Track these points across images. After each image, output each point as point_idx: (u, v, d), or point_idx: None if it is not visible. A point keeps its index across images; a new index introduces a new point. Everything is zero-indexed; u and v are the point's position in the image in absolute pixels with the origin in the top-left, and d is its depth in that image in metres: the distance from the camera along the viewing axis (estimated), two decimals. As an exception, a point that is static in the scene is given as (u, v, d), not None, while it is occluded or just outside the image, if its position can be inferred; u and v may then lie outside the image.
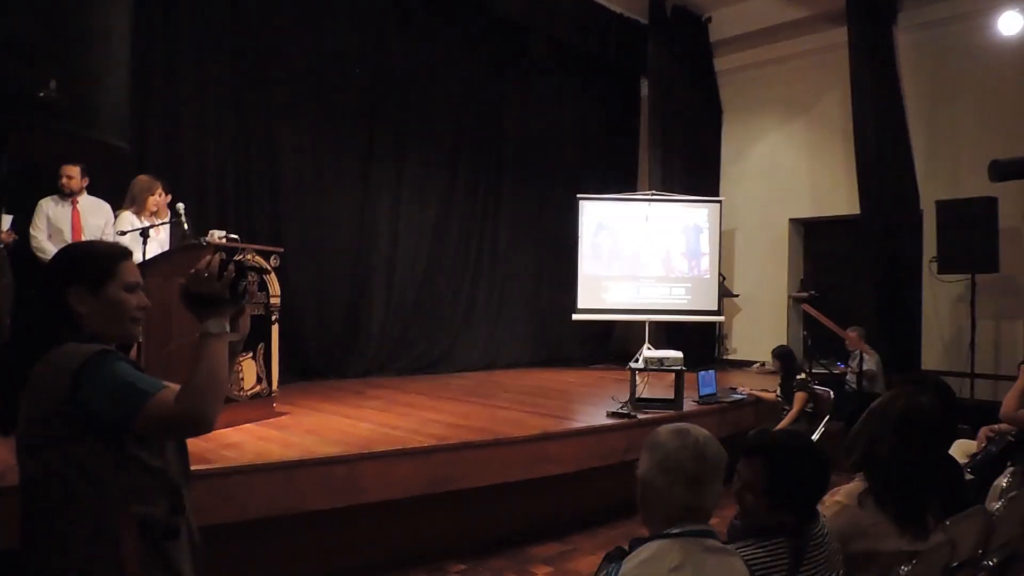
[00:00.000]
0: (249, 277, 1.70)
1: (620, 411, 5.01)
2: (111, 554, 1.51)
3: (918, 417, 2.19)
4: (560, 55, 9.05)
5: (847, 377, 7.04)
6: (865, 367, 6.88)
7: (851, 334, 7.14)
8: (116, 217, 4.79)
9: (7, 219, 4.28)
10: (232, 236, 4.57)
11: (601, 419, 4.93)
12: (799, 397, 5.60)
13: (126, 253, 1.74)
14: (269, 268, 4.63)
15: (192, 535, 1.70)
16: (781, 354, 6.02)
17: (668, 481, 1.59)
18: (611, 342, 9.79)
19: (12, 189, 3.93)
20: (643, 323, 8.55)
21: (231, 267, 1.63)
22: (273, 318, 4.67)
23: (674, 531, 1.57)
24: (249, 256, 4.48)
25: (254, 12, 6.49)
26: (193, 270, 1.62)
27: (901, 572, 1.87)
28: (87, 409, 1.50)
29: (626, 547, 1.64)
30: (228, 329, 1.63)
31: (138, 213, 4.78)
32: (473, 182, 8.57)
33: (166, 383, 1.59)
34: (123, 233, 4.57)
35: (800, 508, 1.82)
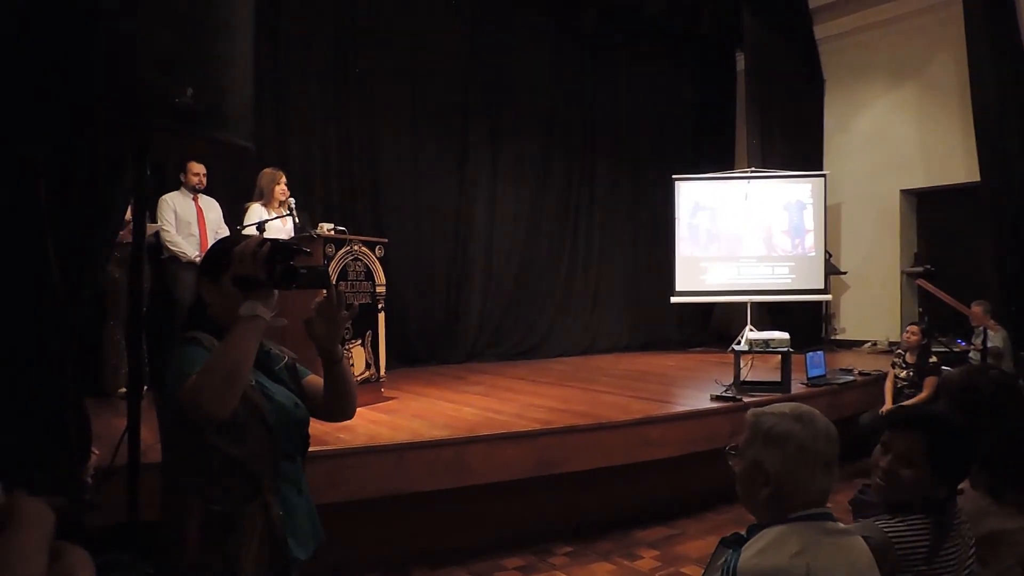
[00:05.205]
0: (298, 260, 1.61)
1: (725, 394, 4.91)
2: (180, 534, 1.58)
3: (1008, 393, 2.14)
4: (652, 32, 8.90)
5: (970, 355, 6.62)
6: (990, 344, 6.44)
7: (975, 309, 6.69)
8: (246, 210, 4.98)
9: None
10: (340, 228, 4.74)
11: (704, 403, 4.83)
12: (929, 382, 5.30)
13: None
14: (375, 257, 4.79)
15: (273, 528, 1.61)
16: (925, 330, 5.67)
17: (810, 471, 1.53)
18: (710, 324, 9.59)
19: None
20: (744, 304, 8.33)
21: (266, 246, 1.59)
22: (379, 306, 4.83)
23: (793, 515, 1.53)
24: (356, 247, 4.64)
25: (354, 11, 6.75)
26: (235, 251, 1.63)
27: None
28: (168, 394, 1.58)
29: (743, 532, 1.60)
30: (258, 313, 1.56)
31: (267, 205, 4.98)
32: (567, 166, 8.57)
33: None
34: (246, 227, 4.78)
35: (955, 483, 1.79)
